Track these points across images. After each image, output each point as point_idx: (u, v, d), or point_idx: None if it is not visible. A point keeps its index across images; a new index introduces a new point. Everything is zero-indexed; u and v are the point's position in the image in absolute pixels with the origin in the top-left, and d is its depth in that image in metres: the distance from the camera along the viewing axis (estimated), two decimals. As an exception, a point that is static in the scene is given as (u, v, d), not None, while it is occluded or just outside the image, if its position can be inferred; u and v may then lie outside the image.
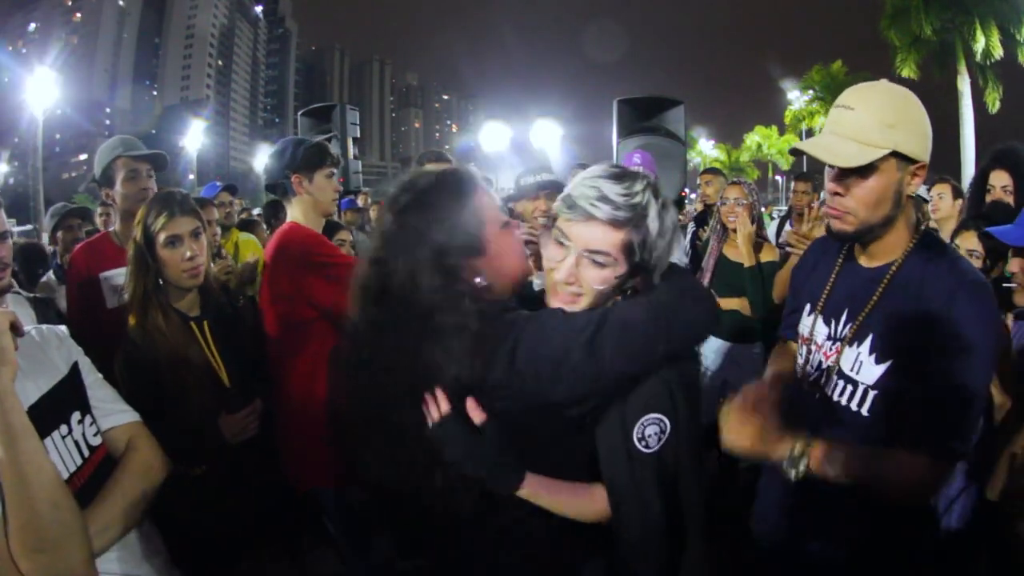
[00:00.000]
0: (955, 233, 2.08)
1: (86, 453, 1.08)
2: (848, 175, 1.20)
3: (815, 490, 1.28)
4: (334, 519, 1.96)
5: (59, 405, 1.05)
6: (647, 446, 1.11)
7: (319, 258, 1.85)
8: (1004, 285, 1.50)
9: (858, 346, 1.26)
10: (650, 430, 1.11)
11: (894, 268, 1.25)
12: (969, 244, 1.97)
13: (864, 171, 1.18)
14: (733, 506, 1.84)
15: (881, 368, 1.22)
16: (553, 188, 2.22)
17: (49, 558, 0.90)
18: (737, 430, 1.18)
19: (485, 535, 1.17)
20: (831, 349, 1.32)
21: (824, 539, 1.33)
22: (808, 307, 1.43)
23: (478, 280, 1.09)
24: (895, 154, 1.16)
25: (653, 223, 1.09)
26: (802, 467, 1.15)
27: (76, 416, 1.09)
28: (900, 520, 1.26)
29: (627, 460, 1.12)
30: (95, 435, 1.11)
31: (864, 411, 1.23)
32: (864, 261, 1.32)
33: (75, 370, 1.13)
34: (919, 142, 1.19)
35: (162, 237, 1.64)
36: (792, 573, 1.39)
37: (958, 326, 1.13)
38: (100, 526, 1.01)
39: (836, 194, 1.23)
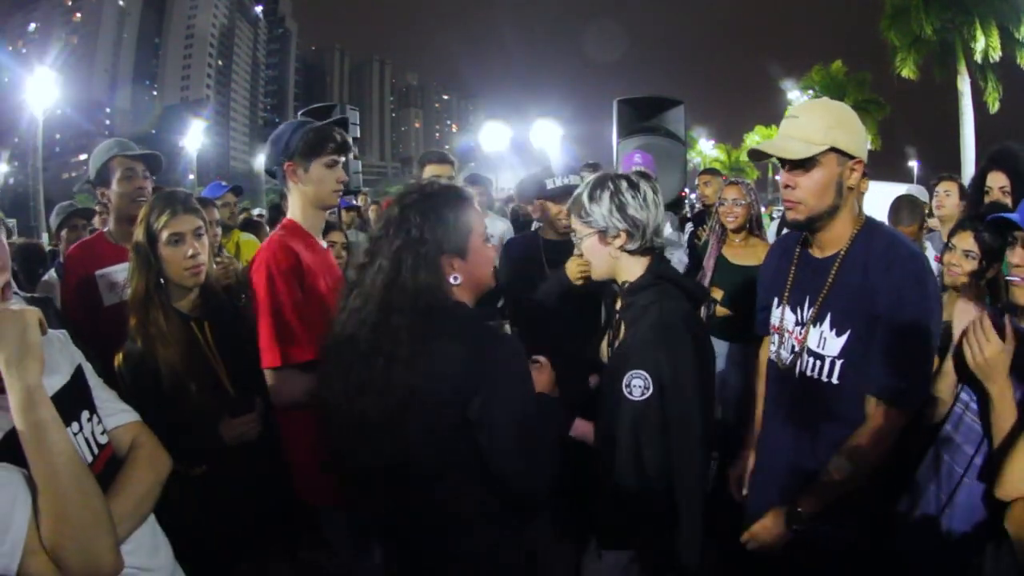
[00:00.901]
0: (952, 233, 2.07)
1: (96, 451, 1.10)
2: (797, 170, 1.41)
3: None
4: (338, 536, 1.89)
5: (69, 404, 1.07)
6: (631, 394, 1.43)
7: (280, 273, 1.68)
8: (1008, 278, 1.50)
9: (820, 325, 1.46)
10: (635, 382, 1.43)
11: (842, 254, 1.45)
12: (965, 245, 1.97)
13: (809, 166, 1.39)
14: (730, 504, 1.84)
15: (842, 339, 1.42)
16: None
17: (80, 545, 0.92)
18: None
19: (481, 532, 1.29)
20: (800, 333, 1.51)
21: (816, 540, 1.44)
22: (776, 300, 1.61)
23: (454, 278, 1.28)
24: (835, 150, 1.38)
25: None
26: (801, 517, 1.43)
27: (85, 415, 1.11)
28: (886, 525, 1.42)
29: (615, 405, 1.45)
30: (102, 433, 1.14)
31: (834, 379, 1.43)
32: (817, 253, 1.52)
33: (79, 372, 1.16)
34: (855, 141, 1.40)
35: (164, 235, 1.64)
36: (786, 571, 1.48)
37: (896, 291, 1.35)
38: (117, 517, 1.04)
39: (787, 187, 1.44)
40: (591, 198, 1.55)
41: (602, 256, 1.57)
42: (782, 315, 1.58)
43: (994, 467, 1.38)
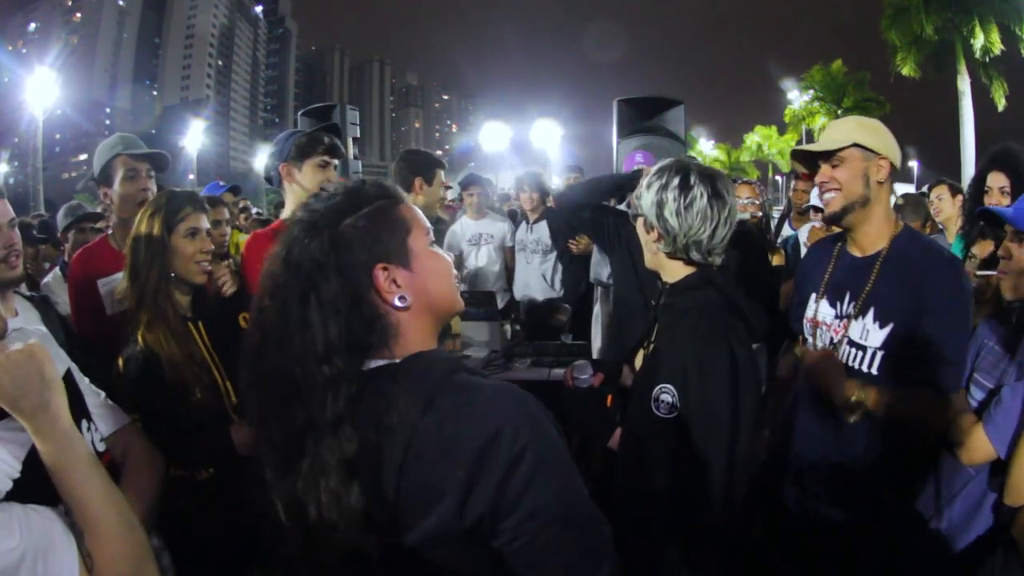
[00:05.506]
0: (972, 242, 2.07)
1: None
2: (828, 166, 1.60)
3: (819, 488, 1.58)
4: None
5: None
6: (658, 410, 1.29)
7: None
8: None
9: (863, 319, 1.58)
10: (664, 397, 1.30)
11: (883, 254, 1.59)
12: (986, 252, 1.93)
13: (837, 161, 1.58)
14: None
15: (884, 332, 1.54)
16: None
17: None
18: (821, 368, 1.55)
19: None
20: (839, 326, 1.64)
21: (822, 529, 1.59)
22: (813, 295, 1.73)
23: (400, 299, 0.85)
24: (857, 146, 1.56)
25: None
26: (860, 409, 1.48)
27: (84, 425, 1.06)
28: (894, 519, 1.51)
29: (645, 419, 1.31)
30: (100, 441, 1.11)
31: (874, 370, 1.55)
32: (857, 252, 1.66)
33: (70, 378, 1.09)
34: (877, 141, 1.56)
35: (183, 227, 1.67)
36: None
37: (935, 293, 1.49)
38: None
39: (824, 182, 1.61)
40: (648, 183, 1.40)
41: (646, 245, 1.46)
42: (817, 308, 1.70)
43: (1005, 473, 1.38)
